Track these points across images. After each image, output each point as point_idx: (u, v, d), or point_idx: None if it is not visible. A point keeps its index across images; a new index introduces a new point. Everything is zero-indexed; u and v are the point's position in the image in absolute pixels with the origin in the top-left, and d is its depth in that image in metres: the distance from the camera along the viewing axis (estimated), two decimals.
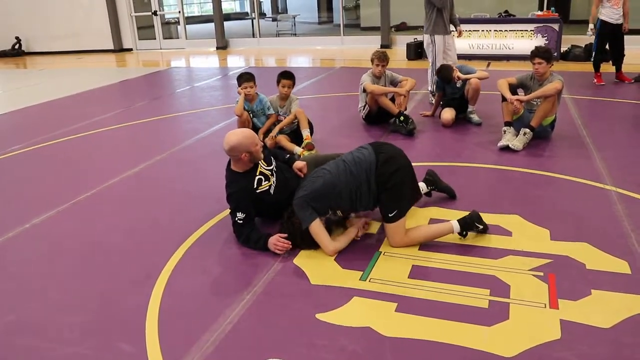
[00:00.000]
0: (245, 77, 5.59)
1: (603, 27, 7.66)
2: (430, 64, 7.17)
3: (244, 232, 3.53)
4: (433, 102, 6.84)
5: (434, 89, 6.54)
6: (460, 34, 7.74)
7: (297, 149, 5.34)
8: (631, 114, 6.54)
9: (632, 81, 8.03)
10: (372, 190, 3.41)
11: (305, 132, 5.47)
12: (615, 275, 3.05)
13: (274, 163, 3.80)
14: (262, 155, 3.65)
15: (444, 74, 6.21)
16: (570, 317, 2.69)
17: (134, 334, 2.73)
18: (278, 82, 5.64)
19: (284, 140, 5.50)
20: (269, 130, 5.66)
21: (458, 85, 6.23)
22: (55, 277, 3.36)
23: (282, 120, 5.69)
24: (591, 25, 7.71)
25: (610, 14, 7.64)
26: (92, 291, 3.18)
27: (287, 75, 5.63)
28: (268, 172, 3.69)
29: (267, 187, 3.65)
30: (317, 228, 3.35)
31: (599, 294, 2.87)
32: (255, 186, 3.60)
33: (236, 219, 3.53)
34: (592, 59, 8.12)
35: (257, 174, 3.63)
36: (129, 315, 2.91)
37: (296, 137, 5.55)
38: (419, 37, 11.91)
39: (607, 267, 3.13)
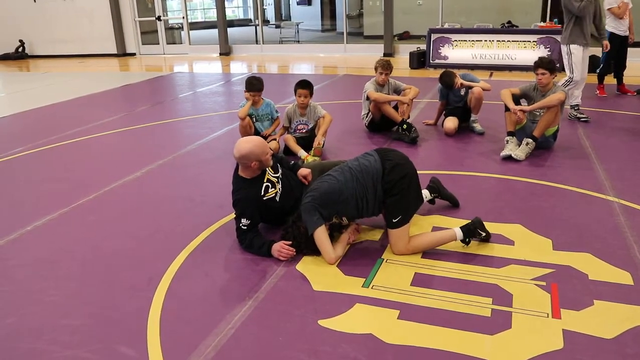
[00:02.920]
0: (257, 87, 5.58)
1: (613, 39, 7.60)
2: (567, 78, 6.74)
3: (248, 238, 3.53)
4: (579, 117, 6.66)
5: (439, 97, 6.54)
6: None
7: (302, 153, 5.34)
8: (633, 125, 6.54)
9: (635, 94, 8.04)
10: (378, 196, 3.42)
11: (322, 139, 5.46)
12: (618, 286, 3.04)
13: (280, 170, 3.80)
14: (271, 163, 3.66)
15: (445, 79, 6.21)
16: (572, 327, 2.68)
17: (136, 337, 2.73)
18: (295, 91, 5.55)
19: (291, 141, 5.52)
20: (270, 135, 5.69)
21: (462, 92, 6.24)
22: (56, 280, 3.35)
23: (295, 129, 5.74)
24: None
25: (619, 25, 7.63)
26: (93, 294, 3.18)
27: (303, 85, 5.51)
28: (275, 180, 3.70)
29: (274, 194, 3.66)
30: (321, 235, 3.35)
31: (602, 305, 2.87)
32: (262, 193, 3.60)
33: (240, 224, 3.53)
34: (598, 71, 8.10)
35: (265, 181, 3.63)
36: (131, 319, 2.90)
37: (306, 144, 5.55)
38: (422, 46, 11.98)
39: (609, 277, 3.12)
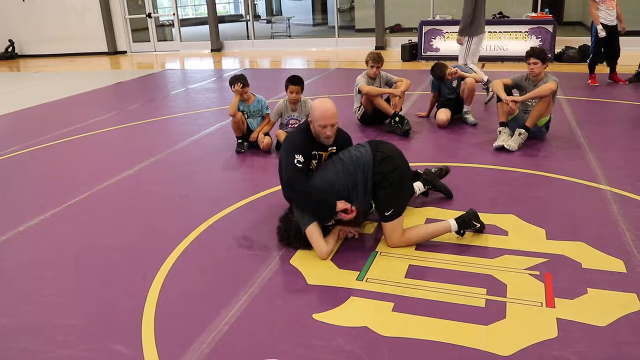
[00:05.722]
0: (241, 79, 5.57)
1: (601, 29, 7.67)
2: None
3: (308, 186, 3.39)
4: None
5: (431, 88, 6.55)
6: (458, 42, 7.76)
7: None
8: (625, 114, 6.57)
9: (627, 82, 8.05)
10: (368, 188, 3.41)
11: None
12: (611, 274, 3.06)
13: (329, 158, 3.64)
14: (324, 143, 3.49)
15: (436, 71, 6.22)
16: (566, 316, 2.69)
17: (130, 335, 2.72)
18: (286, 87, 5.50)
19: (282, 137, 5.50)
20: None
21: (454, 84, 6.24)
22: (50, 280, 3.34)
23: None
24: (600, 27, 7.65)
25: (607, 15, 7.67)
26: (87, 293, 3.17)
27: (294, 81, 5.43)
28: (321, 157, 3.57)
29: (312, 167, 3.55)
30: (313, 230, 3.35)
31: (595, 293, 2.88)
32: (312, 152, 3.49)
33: (295, 161, 3.37)
34: (588, 61, 8.16)
35: (319, 152, 3.53)
36: (125, 317, 2.89)
37: None
38: (414, 39, 11.97)
39: (602, 265, 3.14)
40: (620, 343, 2.49)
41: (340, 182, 3.40)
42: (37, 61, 15.93)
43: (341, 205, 3.34)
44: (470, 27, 7.48)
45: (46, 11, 16.26)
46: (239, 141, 5.69)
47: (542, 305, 2.79)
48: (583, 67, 8.38)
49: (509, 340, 2.54)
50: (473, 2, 7.41)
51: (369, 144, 3.54)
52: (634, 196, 4.06)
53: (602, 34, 7.65)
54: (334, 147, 3.56)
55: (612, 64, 8.06)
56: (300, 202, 3.43)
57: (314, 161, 3.53)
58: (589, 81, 8.10)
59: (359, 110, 6.35)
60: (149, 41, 16.37)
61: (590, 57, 8.10)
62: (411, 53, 11.76)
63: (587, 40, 10.82)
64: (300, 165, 3.38)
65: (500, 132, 5.40)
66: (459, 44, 7.51)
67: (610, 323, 2.63)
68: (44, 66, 14.60)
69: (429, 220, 3.79)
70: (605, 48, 7.91)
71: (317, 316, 2.79)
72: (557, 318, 2.68)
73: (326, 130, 3.42)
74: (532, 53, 5.31)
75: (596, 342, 2.51)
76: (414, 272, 3.17)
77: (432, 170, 4.27)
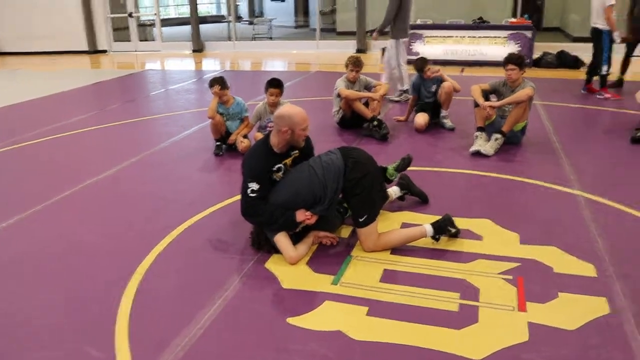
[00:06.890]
0: (219, 81, 5.56)
1: (607, 36, 7.46)
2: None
3: (266, 211, 3.35)
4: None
5: (410, 90, 6.67)
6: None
7: None
8: (600, 120, 6.68)
9: (611, 96, 7.88)
10: (337, 194, 3.43)
11: None
12: (582, 278, 3.11)
13: (296, 165, 3.63)
14: (301, 145, 3.51)
15: (417, 62, 6.37)
16: (538, 320, 2.74)
17: (103, 338, 2.70)
18: (266, 90, 5.47)
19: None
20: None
21: (433, 89, 6.30)
22: (24, 279, 3.31)
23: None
24: (616, 33, 7.38)
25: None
26: (61, 294, 3.14)
27: (274, 84, 5.40)
28: (287, 167, 3.55)
29: (277, 178, 3.52)
30: (280, 238, 3.38)
31: (566, 297, 2.93)
32: (273, 169, 3.46)
33: (248, 190, 3.35)
34: (602, 71, 7.65)
35: (282, 162, 3.49)
36: (99, 319, 2.87)
37: None
38: None
39: (574, 270, 3.19)
40: (589, 346, 2.54)
41: (306, 189, 3.40)
42: (16, 59, 15.70)
43: (301, 216, 3.38)
44: (393, 29, 7.68)
45: (25, 9, 16.03)
46: (217, 143, 5.67)
47: (514, 310, 2.84)
48: (560, 73, 8.46)
49: (481, 344, 2.57)
50: (397, 4, 7.55)
51: (340, 150, 3.55)
52: (606, 201, 4.14)
53: (618, 39, 7.39)
54: (297, 151, 3.57)
55: (592, 74, 7.87)
56: (260, 225, 3.49)
57: (279, 173, 3.50)
58: (606, 95, 7.67)
59: (337, 113, 6.37)
60: (130, 41, 16.23)
61: (604, 68, 7.58)
62: None
63: (564, 46, 11.04)
64: (255, 195, 3.36)
65: (477, 136, 5.45)
66: (374, 40, 7.98)
67: (580, 326, 2.68)
68: (23, 64, 14.40)
69: (404, 225, 3.82)
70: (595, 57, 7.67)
71: (291, 320, 2.80)
72: (528, 322, 2.72)
73: (306, 131, 3.51)
74: (510, 59, 5.38)
75: (566, 345, 2.55)
76: (389, 277, 3.19)
77: (395, 163, 4.26)
